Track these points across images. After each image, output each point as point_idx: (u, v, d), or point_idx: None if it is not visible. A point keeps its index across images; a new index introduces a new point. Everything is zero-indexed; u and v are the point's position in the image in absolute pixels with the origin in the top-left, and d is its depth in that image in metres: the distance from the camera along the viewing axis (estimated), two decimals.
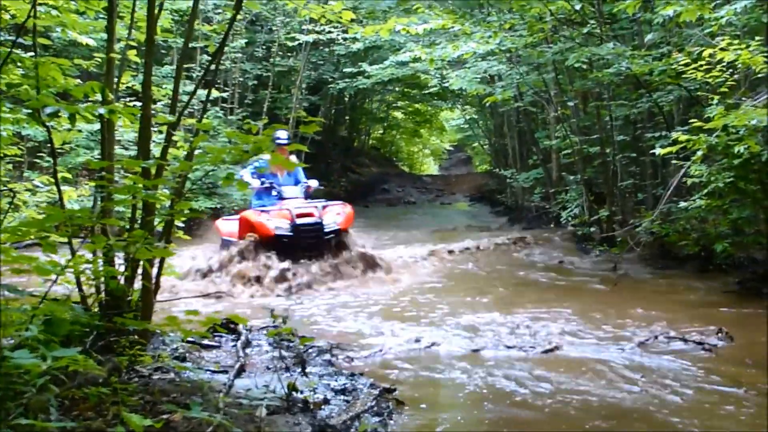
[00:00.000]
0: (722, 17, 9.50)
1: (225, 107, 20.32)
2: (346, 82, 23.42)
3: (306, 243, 11.02)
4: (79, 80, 6.80)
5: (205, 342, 6.25)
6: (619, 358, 6.41)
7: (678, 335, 7.19)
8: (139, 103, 5.70)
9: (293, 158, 11.43)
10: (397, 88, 30.08)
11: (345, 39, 20.97)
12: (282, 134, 11.63)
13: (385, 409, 4.79)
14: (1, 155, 9.29)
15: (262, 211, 11.36)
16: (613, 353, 6.62)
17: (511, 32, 13.54)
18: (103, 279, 4.99)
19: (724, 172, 9.44)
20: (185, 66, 9.35)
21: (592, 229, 14.24)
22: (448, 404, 5.45)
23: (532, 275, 11.73)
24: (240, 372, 5.44)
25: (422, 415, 4.94)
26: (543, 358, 6.53)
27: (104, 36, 5.98)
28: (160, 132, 7.17)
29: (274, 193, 11.82)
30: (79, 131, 12.23)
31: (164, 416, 3.67)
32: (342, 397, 4.98)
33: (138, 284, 5.23)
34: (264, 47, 22.31)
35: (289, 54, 22.65)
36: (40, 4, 6.36)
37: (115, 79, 5.87)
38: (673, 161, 10.55)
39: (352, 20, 9.94)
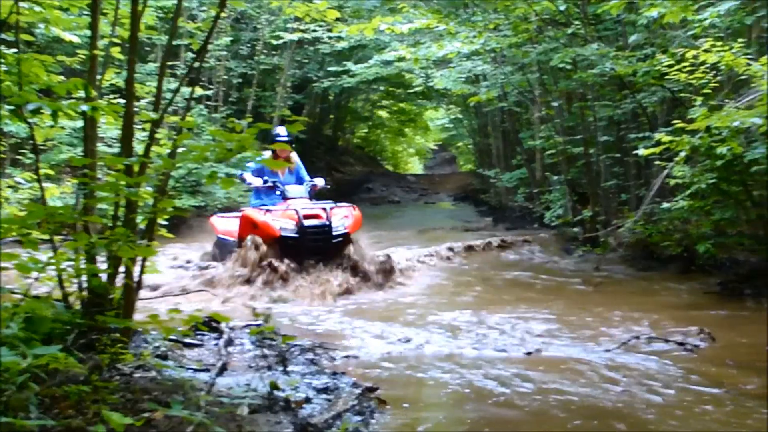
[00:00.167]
0: (706, 19, 9.54)
1: (209, 105, 20.28)
2: (331, 80, 23.43)
3: (312, 246, 10.31)
4: (62, 77, 6.76)
5: (187, 340, 6.23)
6: (601, 359, 6.43)
7: (660, 336, 7.22)
8: (122, 101, 5.68)
9: (294, 155, 11.34)
10: (381, 87, 30.12)
11: (330, 38, 20.96)
12: (282, 131, 11.08)
13: (367, 408, 4.78)
14: None
15: (267, 210, 10.60)
16: (595, 353, 6.63)
17: (495, 32, 13.55)
18: (85, 277, 4.96)
19: (706, 173, 9.50)
20: (169, 63, 9.31)
21: (576, 230, 14.27)
22: (431, 404, 5.45)
23: (516, 275, 11.75)
24: (222, 370, 5.42)
25: (404, 414, 4.94)
26: (525, 358, 6.54)
27: (88, 33, 5.94)
28: (144, 129, 7.14)
29: (277, 192, 11.05)
30: (62, 128, 12.15)
31: (145, 415, 3.65)
32: (324, 395, 4.97)
33: (120, 282, 5.21)
34: (249, 45, 22.30)
35: (273, 52, 22.63)
36: (24, 0, 6.33)
37: (99, 76, 5.84)
38: (656, 162, 10.59)
39: (337, 19, 9.93)
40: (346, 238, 10.55)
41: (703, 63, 9.24)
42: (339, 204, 11.02)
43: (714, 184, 9.52)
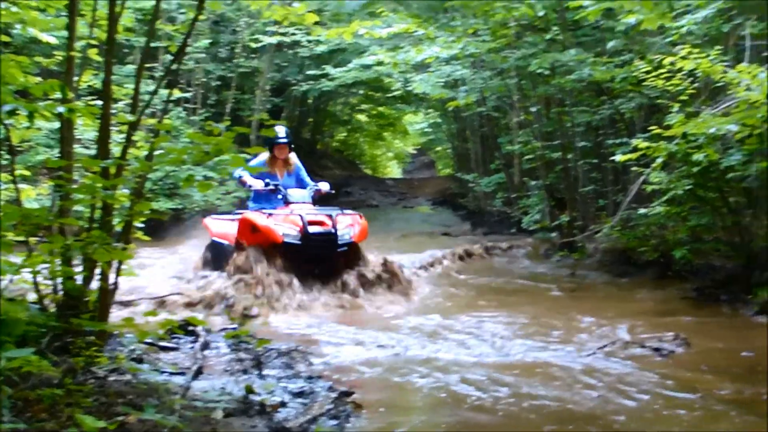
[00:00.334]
0: (683, 26, 9.62)
1: (188, 108, 20.21)
2: (310, 84, 23.38)
3: (316, 254, 9.75)
4: (39, 78, 6.74)
5: (163, 344, 6.21)
6: (576, 363, 6.44)
7: (635, 341, 7.25)
8: (99, 102, 5.65)
9: (293, 157, 11.11)
10: (360, 91, 30.06)
11: (309, 41, 20.95)
12: (281, 131, 10.41)
13: (343, 413, 4.78)
14: None
15: (268, 214, 9.86)
16: (571, 358, 6.65)
17: (474, 37, 13.60)
18: (60, 279, 4.94)
19: (683, 179, 9.55)
20: (147, 65, 9.28)
21: (553, 235, 14.32)
22: (407, 408, 5.46)
23: (493, 280, 11.76)
24: (197, 374, 5.41)
25: (380, 418, 4.94)
26: (501, 362, 6.55)
27: (65, 34, 5.92)
28: (121, 132, 7.10)
29: (279, 196, 10.28)
30: (39, 129, 12.09)
31: (119, 418, 3.64)
32: (299, 399, 4.97)
33: (96, 285, 5.19)
34: (228, 48, 22.23)
35: (252, 55, 22.56)
36: (0, 0, 6.29)
37: (76, 78, 5.83)
38: (633, 168, 10.64)
39: (317, 23, 9.91)
40: (351, 248, 10.04)
41: (680, 70, 9.29)
42: (345, 211, 10.45)
43: (690, 190, 9.57)
